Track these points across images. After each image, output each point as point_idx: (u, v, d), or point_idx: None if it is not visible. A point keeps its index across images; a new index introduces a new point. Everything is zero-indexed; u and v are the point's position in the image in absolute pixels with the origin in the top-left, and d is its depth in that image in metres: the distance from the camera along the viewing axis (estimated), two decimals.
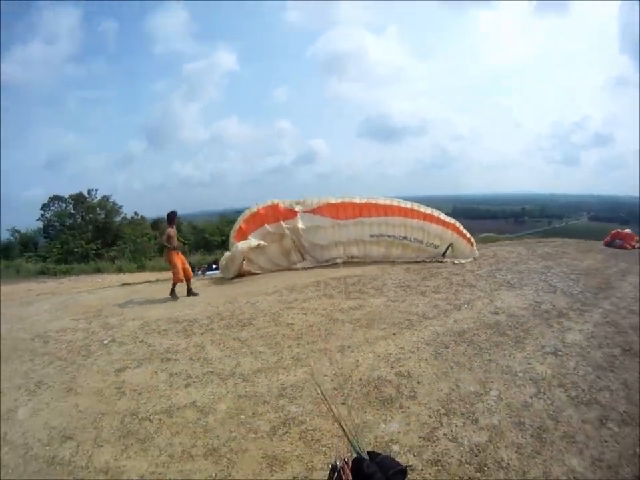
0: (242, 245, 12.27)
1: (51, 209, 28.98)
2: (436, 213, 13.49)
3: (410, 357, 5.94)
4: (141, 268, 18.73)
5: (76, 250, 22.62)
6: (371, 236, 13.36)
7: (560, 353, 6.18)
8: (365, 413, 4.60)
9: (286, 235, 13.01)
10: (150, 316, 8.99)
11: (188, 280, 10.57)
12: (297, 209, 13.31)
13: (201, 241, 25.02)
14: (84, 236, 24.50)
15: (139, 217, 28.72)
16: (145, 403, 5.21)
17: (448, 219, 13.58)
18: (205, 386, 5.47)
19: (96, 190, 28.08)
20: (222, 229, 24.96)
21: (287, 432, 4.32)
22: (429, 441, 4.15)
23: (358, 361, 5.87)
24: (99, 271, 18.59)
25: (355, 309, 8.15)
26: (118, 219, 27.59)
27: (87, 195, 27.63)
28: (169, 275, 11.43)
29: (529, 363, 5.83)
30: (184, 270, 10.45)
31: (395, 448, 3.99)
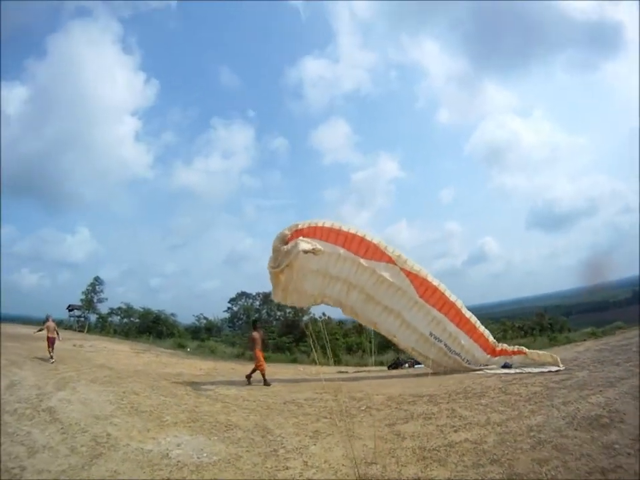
0: (303, 244, 11.20)
1: (238, 303, 32.45)
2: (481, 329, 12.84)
3: (615, 402, 7.17)
4: (337, 362, 19.58)
5: (270, 340, 24.53)
6: (431, 334, 12.43)
7: None
8: (592, 432, 5.91)
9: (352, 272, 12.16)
10: (390, 392, 9.92)
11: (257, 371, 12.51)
12: (394, 256, 12.36)
13: (388, 343, 25.53)
14: (274, 329, 26.65)
15: (327, 317, 30.54)
16: (427, 441, 6.35)
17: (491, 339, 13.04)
18: (469, 430, 6.64)
19: None
20: None
21: (542, 447, 5.57)
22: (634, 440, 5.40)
23: (578, 408, 7.09)
24: (294, 361, 19.91)
25: (565, 380, 9.46)
26: (305, 317, 29.44)
27: None
28: (364, 368, 14.46)
29: None
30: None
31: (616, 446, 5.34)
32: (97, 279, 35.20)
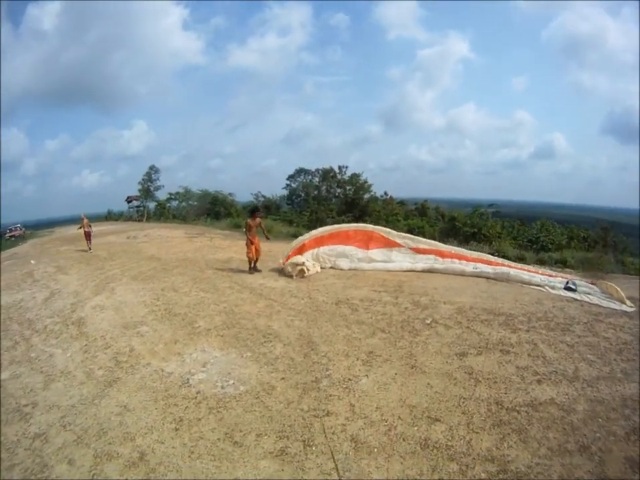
0: (298, 259, 11.25)
1: (297, 179, 31.25)
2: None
3: None
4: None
5: (328, 219, 23.58)
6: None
7: None
8: None
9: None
10: (460, 302, 8.53)
11: (256, 259, 11.60)
12: (402, 242, 12.57)
13: (451, 230, 23.98)
14: (332, 207, 25.60)
15: (389, 197, 29.06)
16: (505, 393, 5.03)
17: None
18: (556, 385, 5.29)
19: (346, 167, 29.49)
20: (474, 220, 23.86)
21: (636, 439, 4.25)
22: None
23: None
24: None
25: None
26: (367, 196, 28.20)
27: (337, 171, 28.95)
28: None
29: None
30: (256, 251, 11.45)
31: None
32: (152, 167, 35.24)
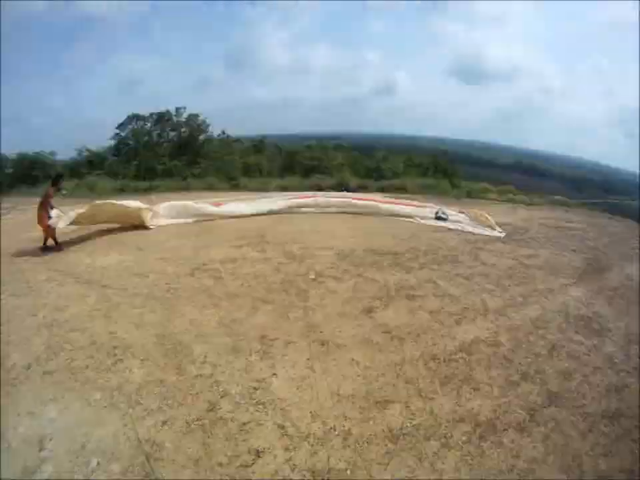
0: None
1: (128, 127, 27.01)
2: None
3: (592, 302, 6.08)
4: (235, 187, 16.54)
5: (159, 166, 20.89)
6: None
7: None
8: (592, 338, 4.95)
9: None
10: (337, 245, 7.66)
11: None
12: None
13: (289, 164, 23.52)
14: (164, 153, 22.74)
15: (226, 136, 26.38)
16: (432, 343, 4.55)
17: None
18: (473, 321, 5.10)
19: (184, 108, 26.09)
20: (314, 153, 23.76)
21: (559, 354, 4.48)
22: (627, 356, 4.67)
23: (565, 302, 5.92)
24: (187, 188, 16.59)
25: (533, 257, 7.84)
26: (202, 137, 25.53)
27: (174, 113, 25.63)
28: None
29: None
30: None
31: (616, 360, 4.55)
32: None
